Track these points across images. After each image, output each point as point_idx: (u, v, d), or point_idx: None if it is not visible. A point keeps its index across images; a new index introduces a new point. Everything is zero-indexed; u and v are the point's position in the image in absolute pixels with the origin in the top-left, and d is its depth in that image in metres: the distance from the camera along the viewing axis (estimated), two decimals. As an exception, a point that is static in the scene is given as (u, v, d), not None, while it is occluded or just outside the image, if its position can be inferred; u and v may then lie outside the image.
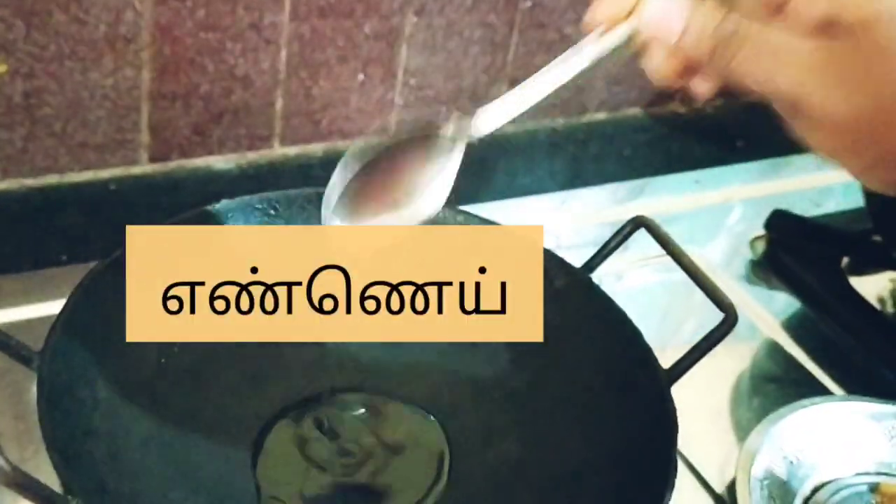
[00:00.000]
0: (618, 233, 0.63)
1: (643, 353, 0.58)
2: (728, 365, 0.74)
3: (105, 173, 0.85)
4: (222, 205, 0.61)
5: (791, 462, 0.64)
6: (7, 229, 0.81)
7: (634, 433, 0.56)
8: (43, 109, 0.80)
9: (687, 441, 0.64)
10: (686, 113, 1.07)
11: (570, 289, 0.62)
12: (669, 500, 0.51)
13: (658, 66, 0.49)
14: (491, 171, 0.93)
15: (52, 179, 0.83)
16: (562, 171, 0.92)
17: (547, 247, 0.65)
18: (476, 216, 0.67)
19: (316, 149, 0.91)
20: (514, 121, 0.98)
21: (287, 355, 0.63)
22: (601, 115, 1.02)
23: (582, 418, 0.59)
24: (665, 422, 0.55)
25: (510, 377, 0.63)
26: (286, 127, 0.89)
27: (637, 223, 0.62)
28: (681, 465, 0.65)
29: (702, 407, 0.70)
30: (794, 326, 0.80)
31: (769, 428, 0.64)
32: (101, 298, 0.54)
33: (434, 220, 0.54)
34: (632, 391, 0.58)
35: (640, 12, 0.49)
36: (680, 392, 0.58)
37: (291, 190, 0.62)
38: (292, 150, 0.91)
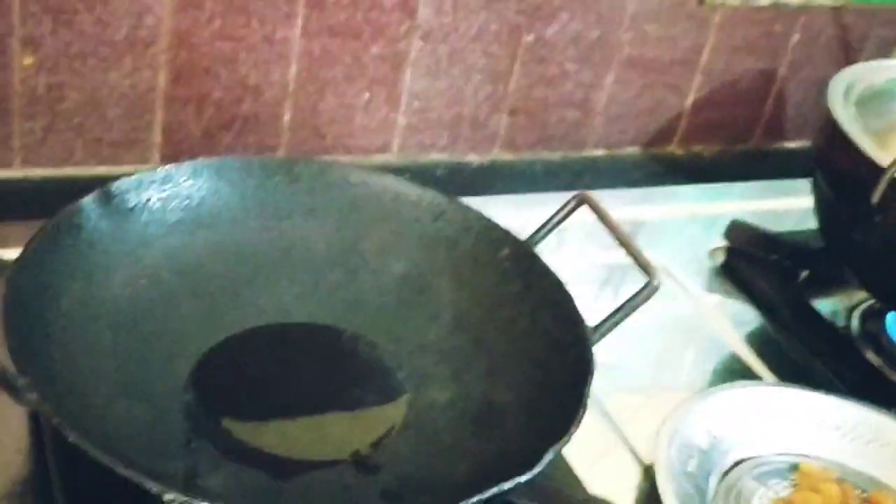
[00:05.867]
0: (561, 208, 0.68)
1: (572, 314, 0.65)
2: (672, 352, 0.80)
3: (119, 169, 0.89)
4: (199, 161, 0.68)
5: (714, 436, 0.67)
6: (22, 215, 0.86)
7: (557, 380, 0.63)
8: (64, 103, 0.85)
9: (623, 418, 0.71)
10: (683, 155, 1.11)
11: (513, 258, 0.68)
12: (574, 432, 0.57)
13: None
14: (488, 189, 0.98)
15: (68, 171, 0.88)
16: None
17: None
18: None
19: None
20: (514, 149, 1.04)
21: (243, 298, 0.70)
22: (599, 152, 1.07)
23: (512, 368, 0.66)
24: (583, 369, 0.61)
25: (453, 335, 0.70)
26: (293, 138, 0.93)
27: (580, 199, 0.67)
28: (615, 440, 0.71)
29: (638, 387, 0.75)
30: (749, 331, 0.85)
31: (697, 402, 0.68)
32: (80, 227, 0.60)
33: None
34: (560, 346, 0.64)
35: None
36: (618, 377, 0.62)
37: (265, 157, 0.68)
38: (298, 162, 0.96)
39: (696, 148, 1.12)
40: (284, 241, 0.74)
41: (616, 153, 1.08)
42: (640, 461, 0.70)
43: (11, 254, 0.63)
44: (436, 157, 1.00)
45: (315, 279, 0.73)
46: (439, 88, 0.97)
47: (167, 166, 0.72)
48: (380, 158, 0.97)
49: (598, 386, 0.65)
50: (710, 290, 0.89)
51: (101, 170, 0.89)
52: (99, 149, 0.88)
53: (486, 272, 0.71)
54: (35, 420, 0.61)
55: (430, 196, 0.74)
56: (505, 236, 0.71)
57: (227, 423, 0.63)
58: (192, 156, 0.91)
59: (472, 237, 0.73)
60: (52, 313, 0.58)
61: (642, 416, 0.72)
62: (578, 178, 1.03)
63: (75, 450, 0.51)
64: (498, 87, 0.99)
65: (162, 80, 0.87)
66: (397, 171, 0.96)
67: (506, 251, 0.70)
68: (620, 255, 0.68)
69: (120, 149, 0.89)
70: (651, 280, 0.65)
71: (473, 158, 1.02)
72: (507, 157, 1.03)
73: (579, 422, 0.58)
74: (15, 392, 0.47)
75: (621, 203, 0.93)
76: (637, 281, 0.66)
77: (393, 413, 0.66)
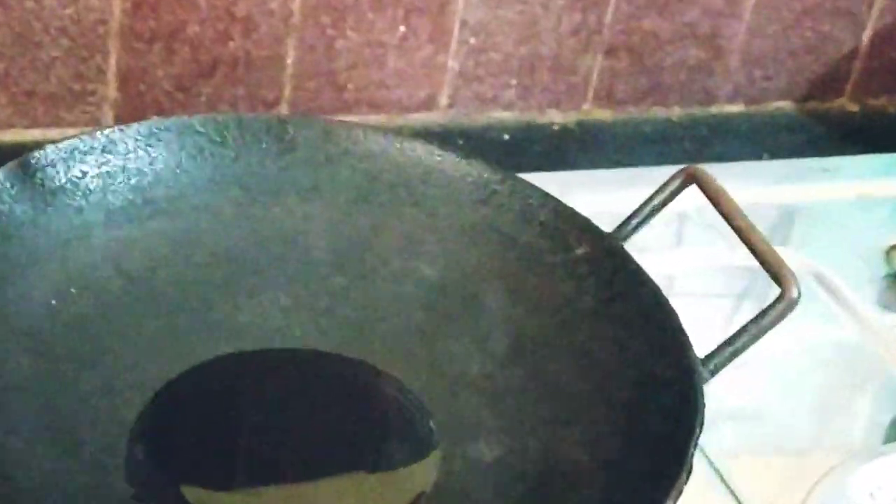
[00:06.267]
0: (662, 188, 0.67)
1: (674, 338, 0.64)
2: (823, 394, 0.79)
3: (56, 133, 0.90)
4: (154, 122, 0.68)
5: (884, 512, 0.66)
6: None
7: (650, 431, 0.62)
8: (-20, 43, 0.87)
9: (748, 488, 0.72)
10: (857, 112, 1.11)
11: (593, 258, 0.68)
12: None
13: None
14: (574, 162, 0.98)
15: (-14, 136, 0.90)
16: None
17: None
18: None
19: (338, 122, 0.97)
20: (612, 104, 1.03)
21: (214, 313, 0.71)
22: (735, 108, 1.06)
23: (586, 414, 0.65)
24: (688, 416, 0.59)
25: (506, 366, 0.70)
26: (299, 90, 0.94)
27: (689, 176, 0.66)
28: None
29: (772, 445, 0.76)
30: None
31: (859, 466, 0.66)
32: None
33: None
34: (655, 383, 0.64)
35: None
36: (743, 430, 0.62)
37: (246, 114, 0.69)
38: (306, 122, 0.96)
39: (877, 101, 1.11)
40: (273, 233, 0.74)
41: (759, 110, 1.07)
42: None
43: None
44: (500, 115, 1.01)
45: (314, 287, 0.73)
46: (505, 18, 0.96)
47: (109, 130, 0.72)
48: (421, 118, 0.98)
49: (712, 442, 0.66)
50: (887, 307, 0.88)
51: (34, 134, 0.91)
52: (30, 107, 0.90)
53: (553, 278, 0.71)
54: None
55: (476, 169, 0.74)
56: (582, 227, 0.71)
57: (186, 490, 0.63)
58: (159, 115, 0.93)
59: (536, 228, 0.72)
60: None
61: (777, 486, 0.72)
62: (705, 145, 1.02)
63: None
64: (589, 16, 0.98)
65: (117, 8, 0.88)
66: (446, 136, 0.97)
67: (583, 249, 0.70)
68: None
69: (59, 106, 0.90)
70: (786, 291, 0.64)
71: (555, 117, 1.02)
72: (602, 115, 1.03)
73: (680, 491, 0.57)
74: None
75: (762, 181, 0.93)
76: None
77: (420, 476, 0.65)
